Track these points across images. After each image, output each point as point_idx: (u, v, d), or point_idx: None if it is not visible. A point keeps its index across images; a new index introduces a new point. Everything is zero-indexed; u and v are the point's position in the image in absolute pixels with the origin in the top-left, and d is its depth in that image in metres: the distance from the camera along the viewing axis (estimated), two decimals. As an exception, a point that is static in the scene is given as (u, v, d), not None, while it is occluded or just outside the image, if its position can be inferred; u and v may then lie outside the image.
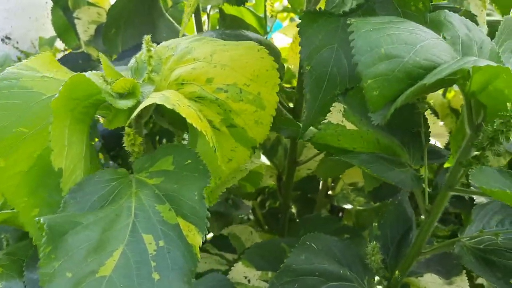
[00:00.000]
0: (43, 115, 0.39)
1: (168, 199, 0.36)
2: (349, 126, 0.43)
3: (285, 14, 1.33)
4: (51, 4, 1.14)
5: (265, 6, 1.10)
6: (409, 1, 0.43)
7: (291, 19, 1.32)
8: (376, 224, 0.59)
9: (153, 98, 0.36)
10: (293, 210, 1.00)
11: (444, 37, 0.43)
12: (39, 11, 1.31)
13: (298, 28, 0.42)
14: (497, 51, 0.45)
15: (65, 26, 1.15)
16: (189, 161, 0.37)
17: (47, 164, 0.40)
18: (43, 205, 0.40)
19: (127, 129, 0.39)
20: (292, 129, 0.48)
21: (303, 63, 0.42)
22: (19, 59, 0.97)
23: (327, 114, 0.43)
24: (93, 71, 0.45)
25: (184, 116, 0.35)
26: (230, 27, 0.91)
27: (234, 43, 0.44)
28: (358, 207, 0.92)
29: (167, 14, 0.86)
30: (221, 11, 0.90)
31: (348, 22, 0.37)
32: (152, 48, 0.41)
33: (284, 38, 0.88)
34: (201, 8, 0.86)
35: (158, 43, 0.86)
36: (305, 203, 0.99)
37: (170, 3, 0.97)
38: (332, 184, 0.93)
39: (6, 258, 0.53)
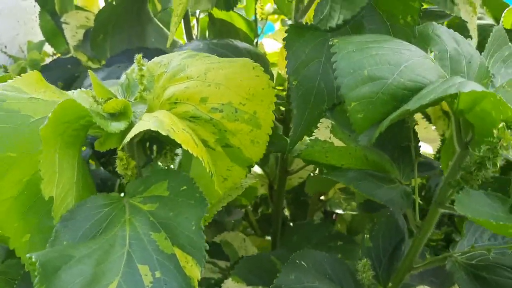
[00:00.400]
0: (32, 139, 0.38)
1: (164, 227, 0.35)
2: (337, 142, 0.43)
3: (275, 16, 1.32)
4: (39, 7, 1.12)
5: (255, 8, 1.08)
6: (397, 15, 0.42)
7: (282, 21, 1.31)
8: (368, 235, 0.58)
9: (146, 122, 0.35)
10: (286, 213, 0.99)
11: (432, 52, 0.42)
12: (28, 15, 1.29)
13: (285, 42, 0.41)
14: (486, 66, 0.44)
15: (53, 31, 1.13)
16: (185, 187, 0.36)
17: (37, 189, 0.38)
18: (34, 230, 0.39)
19: (120, 153, 0.38)
20: (281, 143, 0.48)
21: (289, 78, 0.42)
22: (5, 68, 0.94)
23: (315, 131, 0.42)
24: (83, 89, 0.44)
25: (179, 142, 0.34)
26: (219, 32, 0.90)
27: (228, 60, 0.43)
28: (351, 212, 0.92)
29: (155, 19, 0.85)
30: (210, 15, 0.89)
31: (331, 43, 0.37)
32: (143, 67, 0.40)
33: (274, 43, 0.86)
34: (190, 13, 0.85)
35: (147, 48, 0.85)
36: (298, 206, 0.99)
37: (159, 7, 0.96)
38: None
39: (-5, 278, 0.51)
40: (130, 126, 0.37)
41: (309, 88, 0.40)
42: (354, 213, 0.91)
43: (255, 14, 1.09)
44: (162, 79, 0.43)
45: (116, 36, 0.84)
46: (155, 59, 0.45)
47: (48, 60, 1.20)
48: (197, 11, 0.94)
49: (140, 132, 0.41)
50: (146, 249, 0.34)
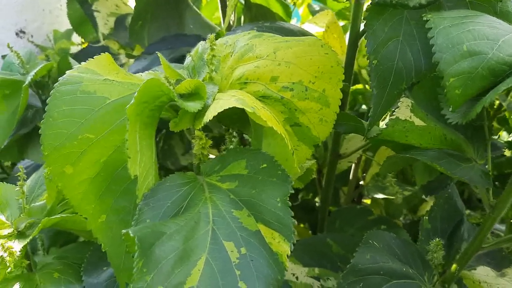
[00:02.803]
0: (108, 120, 0.38)
1: (246, 204, 0.35)
2: (417, 122, 0.42)
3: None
4: (66, -4, 1.11)
5: (285, -7, 1.07)
6: (477, -9, 0.41)
7: (309, 6, 1.30)
8: (426, 217, 0.58)
9: (228, 101, 0.35)
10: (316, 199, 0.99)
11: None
12: (52, 3, 1.29)
13: (366, 21, 0.41)
14: None
15: (81, 19, 1.13)
16: (264, 165, 0.36)
17: (113, 170, 0.39)
18: (110, 211, 0.39)
19: (198, 133, 0.38)
20: (350, 124, 0.47)
21: (369, 57, 0.41)
22: (47, 57, 0.95)
23: (396, 110, 0.42)
24: (150, 72, 0.44)
25: (264, 119, 0.34)
26: (255, 16, 0.89)
27: (296, 38, 0.43)
28: (389, 196, 0.92)
29: (194, 6, 0.84)
30: (246, 0, 0.88)
31: (424, 18, 0.36)
32: (215, 47, 0.40)
33: (313, 27, 0.85)
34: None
35: (185, 35, 0.84)
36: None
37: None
38: (364, 174, 0.93)
39: (58, 262, 0.52)
40: (206, 106, 0.37)
41: (388, 67, 0.40)
42: (391, 197, 0.91)
43: (285, -1, 1.08)
44: (230, 59, 0.43)
45: (154, 23, 0.84)
46: (220, 40, 0.45)
47: (74, 48, 1.20)
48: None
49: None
50: (229, 226, 0.34)
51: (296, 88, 0.41)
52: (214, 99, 0.38)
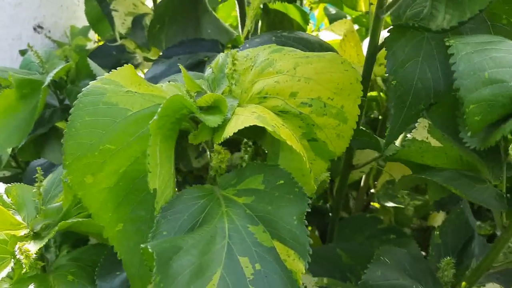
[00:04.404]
0: (129, 132, 0.38)
1: (261, 220, 0.35)
2: (434, 142, 0.43)
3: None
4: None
5: (302, -2, 1.07)
6: (500, 14, 0.41)
7: (325, 9, 1.30)
8: (437, 232, 0.58)
9: (249, 118, 0.35)
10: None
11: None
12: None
13: (387, 42, 0.41)
14: None
15: (98, 17, 1.14)
16: (282, 181, 0.36)
17: (131, 180, 0.40)
18: (127, 220, 0.40)
19: (217, 147, 0.38)
20: (365, 140, 0.48)
21: (388, 78, 0.42)
22: (66, 58, 0.95)
23: (413, 131, 0.42)
24: (171, 83, 0.44)
25: (283, 138, 0.34)
26: (273, 22, 0.90)
27: (316, 54, 0.43)
28: (399, 205, 0.92)
29: (212, 11, 0.85)
30: (264, 5, 0.88)
31: (447, 43, 0.36)
32: (236, 61, 0.40)
33: (330, 34, 0.86)
34: (246, 2, 0.84)
35: (203, 39, 0.85)
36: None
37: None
38: (375, 182, 0.93)
39: (71, 264, 0.53)
40: (226, 121, 0.38)
41: (407, 88, 0.40)
42: (402, 206, 0.91)
43: (301, 3, 1.09)
44: (250, 73, 0.43)
45: (171, 27, 0.85)
46: (240, 53, 0.46)
47: (90, 45, 1.21)
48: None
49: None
50: (245, 241, 0.35)
51: (315, 104, 0.41)
52: (233, 114, 0.39)
